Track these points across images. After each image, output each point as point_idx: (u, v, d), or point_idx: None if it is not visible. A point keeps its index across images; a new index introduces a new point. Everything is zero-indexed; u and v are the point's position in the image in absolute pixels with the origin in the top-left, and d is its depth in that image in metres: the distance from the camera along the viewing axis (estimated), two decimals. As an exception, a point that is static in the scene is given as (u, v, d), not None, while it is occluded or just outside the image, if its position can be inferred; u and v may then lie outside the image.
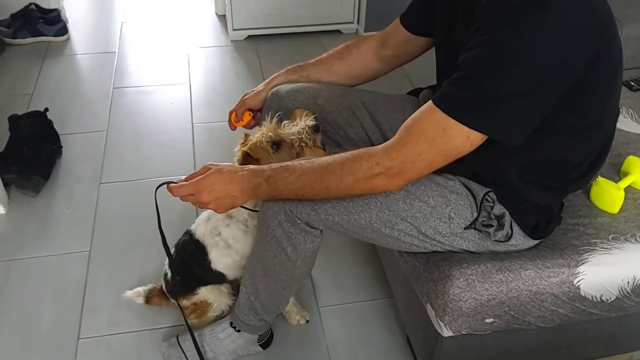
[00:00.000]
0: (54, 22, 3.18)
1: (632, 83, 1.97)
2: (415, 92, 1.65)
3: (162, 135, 2.55)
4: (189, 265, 1.65)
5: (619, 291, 1.37)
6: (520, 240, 1.35)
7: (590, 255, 1.36)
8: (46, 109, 2.38)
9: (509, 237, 1.33)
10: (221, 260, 1.62)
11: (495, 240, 1.33)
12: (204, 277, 1.65)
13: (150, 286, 1.81)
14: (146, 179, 2.31)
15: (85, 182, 2.29)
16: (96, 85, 2.88)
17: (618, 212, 1.48)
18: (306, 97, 1.59)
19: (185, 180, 1.32)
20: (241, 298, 1.54)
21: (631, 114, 1.83)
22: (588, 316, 1.40)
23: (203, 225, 1.64)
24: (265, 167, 1.29)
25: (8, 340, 1.72)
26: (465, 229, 1.32)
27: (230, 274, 1.65)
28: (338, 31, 3.32)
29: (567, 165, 1.30)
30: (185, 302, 1.67)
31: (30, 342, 1.71)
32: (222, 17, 3.49)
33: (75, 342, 1.71)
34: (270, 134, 1.48)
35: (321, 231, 1.38)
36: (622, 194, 1.47)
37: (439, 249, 1.36)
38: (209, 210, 1.58)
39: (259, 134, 1.50)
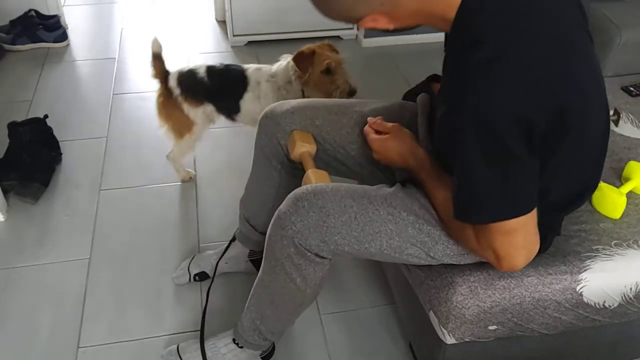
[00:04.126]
0: (54, 29, 3.18)
1: (632, 88, 1.97)
2: (411, 96, 1.64)
3: (162, 141, 2.53)
4: (221, 88, 2.06)
5: (622, 298, 1.36)
6: None
7: (592, 261, 1.35)
8: (46, 116, 2.37)
9: None
10: (248, 104, 2.03)
11: None
12: (220, 96, 2.07)
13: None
14: (146, 185, 2.30)
15: (84, 189, 2.28)
16: (96, 92, 2.88)
17: (620, 218, 1.48)
18: (303, 119, 1.56)
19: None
20: (245, 321, 1.53)
21: (631, 119, 1.83)
22: (591, 323, 1.40)
23: (256, 71, 2.04)
24: (423, 173, 1.32)
25: (7, 349, 1.71)
26: None
27: (245, 119, 2.10)
28: (338, 37, 3.33)
29: (550, 198, 1.24)
30: (185, 112, 2.05)
31: (29, 350, 1.70)
32: (222, 23, 3.49)
33: (75, 351, 1.70)
34: (333, 64, 1.91)
35: (330, 259, 1.36)
36: (624, 199, 1.47)
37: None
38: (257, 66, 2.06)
39: (330, 54, 1.94)
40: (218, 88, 2.07)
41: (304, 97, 1.96)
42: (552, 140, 1.08)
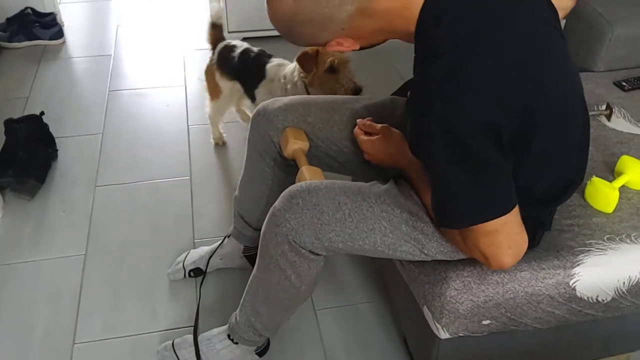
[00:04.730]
0: (50, 26, 3.18)
1: (624, 83, 1.97)
2: (402, 91, 1.65)
3: (157, 138, 2.55)
4: (244, 72, 2.18)
5: (615, 292, 1.37)
6: None
7: (585, 256, 1.36)
8: (42, 113, 2.37)
9: None
10: (261, 95, 2.10)
11: None
12: (243, 78, 2.19)
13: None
14: (142, 181, 2.31)
15: (80, 185, 2.28)
16: (92, 88, 2.87)
17: (612, 212, 1.48)
18: (295, 116, 1.56)
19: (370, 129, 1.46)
20: (240, 317, 1.53)
21: (624, 114, 1.83)
22: (584, 317, 1.40)
23: (274, 67, 2.10)
24: (413, 172, 1.31)
25: (3, 345, 1.71)
26: None
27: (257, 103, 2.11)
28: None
29: (534, 194, 1.25)
30: (216, 80, 2.25)
31: (25, 347, 1.71)
32: (217, 20, 3.48)
33: (71, 347, 1.71)
34: (337, 62, 1.89)
35: (324, 255, 1.37)
36: (616, 193, 1.47)
37: None
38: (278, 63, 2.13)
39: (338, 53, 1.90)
40: (242, 71, 2.19)
41: None
42: (522, 141, 1.09)
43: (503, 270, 1.31)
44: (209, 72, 2.32)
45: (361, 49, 1.21)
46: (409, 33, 1.12)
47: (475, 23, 1.06)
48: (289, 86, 2.04)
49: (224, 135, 2.52)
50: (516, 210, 1.12)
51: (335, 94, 1.90)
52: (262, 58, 2.16)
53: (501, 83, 1.04)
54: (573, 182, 1.30)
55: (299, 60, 1.94)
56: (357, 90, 1.89)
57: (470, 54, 1.04)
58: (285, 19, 1.15)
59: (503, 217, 1.10)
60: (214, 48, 2.28)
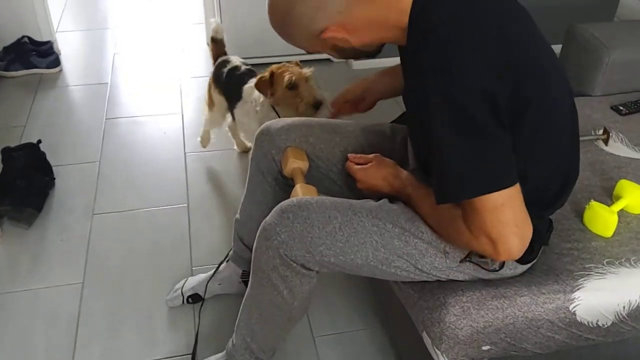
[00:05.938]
0: (47, 55, 3.20)
1: (621, 107, 1.99)
2: (402, 119, 1.66)
3: (154, 165, 2.55)
4: (228, 90, 2.25)
5: (615, 316, 1.36)
6: (511, 270, 1.35)
7: (585, 280, 1.36)
8: (39, 141, 2.38)
9: (502, 266, 1.32)
10: (239, 115, 2.20)
11: (490, 270, 1.32)
12: (228, 96, 2.26)
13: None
14: (139, 209, 2.30)
15: (78, 213, 2.28)
16: (89, 117, 2.89)
17: (612, 236, 1.49)
18: (298, 135, 1.58)
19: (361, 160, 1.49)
20: (236, 339, 1.52)
21: (621, 138, 1.84)
22: (585, 342, 1.39)
23: (250, 88, 2.11)
24: (409, 188, 1.34)
25: (0, 376, 1.70)
26: (460, 262, 1.32)
27: (239, 127, 2.35)
28: (328, 60, 3.34)
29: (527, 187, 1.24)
30: (211, 92, 2.36)
31: (22, 377, 1.69)
32: (214, 47, 3.51)
33: (68, 377, 1.69)
34: (295, 78, 1.91)
35: (317, 271, 1.37)
36: (615, 217, 1.48)
37: (435, 280, 1.36)
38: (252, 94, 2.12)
39: (293, 69, 1.95)
40: (228, 88, 2.26)
41: (278, 116, 1.99)
42: (517, 112, 1.11)
43: (503, 294, 1.31)
44: (208, 84, 2.42)
45: (355, 54, 1.26)
46: (400, 28, 1.16)
47: (468, 16, 1.11)
48: (258, 108, 2.07)
49: (212, 139, 2.61)
50: (519, 188, 1.11)
51: (297, 109, 1.93)
52: (244, 78, 2.19)
53: (484, 54, 1.07)
54: (567, 182, 1.32)
55: (257, 86, 1.99)
56: (317, 104, 1.91)
57: (460, 29, 1.08)
58: None
59: (508, 189, 1.09)
60: (215, 62, 2.36)
